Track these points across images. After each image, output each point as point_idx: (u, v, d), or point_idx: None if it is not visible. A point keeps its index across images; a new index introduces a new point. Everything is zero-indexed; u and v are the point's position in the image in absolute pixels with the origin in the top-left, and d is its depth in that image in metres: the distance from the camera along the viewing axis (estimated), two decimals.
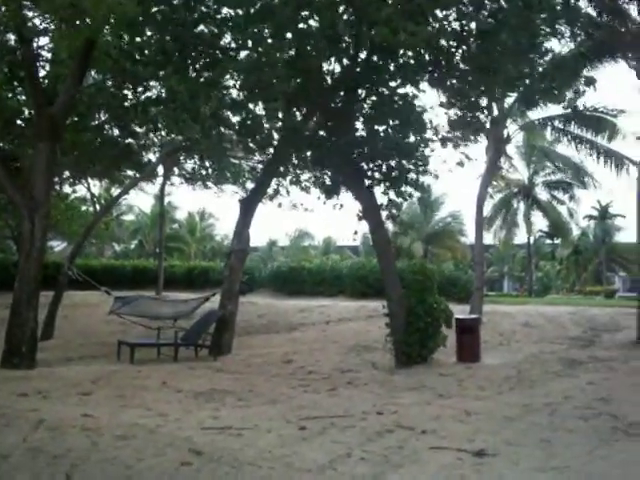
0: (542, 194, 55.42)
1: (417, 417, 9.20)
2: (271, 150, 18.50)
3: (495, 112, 23.34)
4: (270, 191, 22.59)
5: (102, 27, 14.21)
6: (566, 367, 15.08)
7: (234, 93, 16.25)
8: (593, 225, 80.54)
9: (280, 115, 15.70)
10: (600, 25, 19.14)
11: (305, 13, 13.49)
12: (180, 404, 10.26)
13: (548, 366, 15.22)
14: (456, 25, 14.07)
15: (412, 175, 15.75)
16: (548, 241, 73.38)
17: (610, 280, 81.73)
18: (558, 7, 14.55)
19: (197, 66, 15.16)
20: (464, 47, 14.46)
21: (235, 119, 16.47)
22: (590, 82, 18.62)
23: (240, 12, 13.87)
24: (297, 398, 10.99)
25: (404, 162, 15.68)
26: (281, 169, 19.73)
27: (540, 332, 21.65)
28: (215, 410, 9.73)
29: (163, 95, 17.79)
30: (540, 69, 15.72)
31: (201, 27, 14.68)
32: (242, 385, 12.33)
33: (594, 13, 19.76)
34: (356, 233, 18.07)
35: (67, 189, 31.98)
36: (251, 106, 15.69)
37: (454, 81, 15.13)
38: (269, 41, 13.71)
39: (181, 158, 28.30)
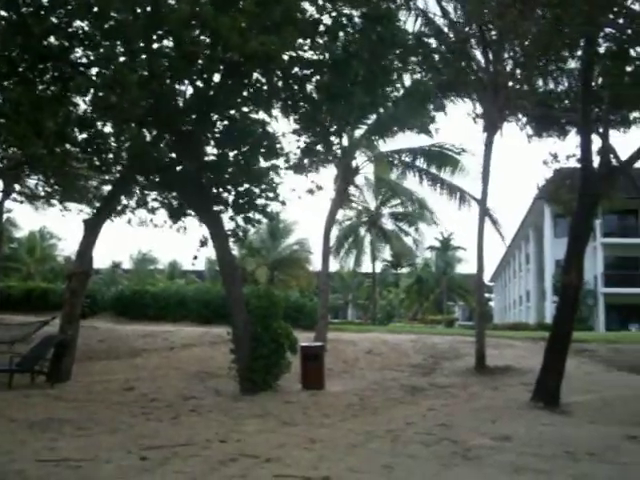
0: (388, 224, 56.92)
1: (261, 445, 9.10)
2: (119, 169, 18.01)
3: (345, 142, 23.82)
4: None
5: None
6: (408, 394, 15.43)
7: (82, 109, 15.70)
8: (435, 256, 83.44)
9: (129, 135, 15.32)
10: (449, 64, 19.87)
11: (159, 32, 13.25)
12: (13, 435, 9.70)
13: (390, 393, 15.52)
14: (310, 54, 14.22)
15: (261, 201, 15.76)
16: (392, 270, 75.24)
17: (450, 309, 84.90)
18: (409, 43, 15.03)
19: (45, 79, 14.59)
20: (317, 76, 14.63)
21: (82, 136, 15.89)
22: (440, 108, 19.29)
23: (93, 26, 13.48)
24: (138, 427, 10.66)
25: (253, 188, 15.67)
26: (128, 190, 19.24)
27: (383, 359, 22.04)
28: (52, 441, 9.25)
29: (6, 107, 16.97)
30: (392, 99, 16.11)
31: (51, 39, 14.12)
32: (81, 414, 11.84)
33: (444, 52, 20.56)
34: (196, 258, 17.77)
35: None
36: (99, 124, 15.25)
37: (306, 109, 15.25)
38: (121, 59, 13.37)
39: (23, 174, 27.13)
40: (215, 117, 15.25)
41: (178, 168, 15.52)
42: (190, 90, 14.83)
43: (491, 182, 21.02)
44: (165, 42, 13.70)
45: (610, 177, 16.12)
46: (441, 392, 15.79)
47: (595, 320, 49.93)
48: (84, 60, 14.71)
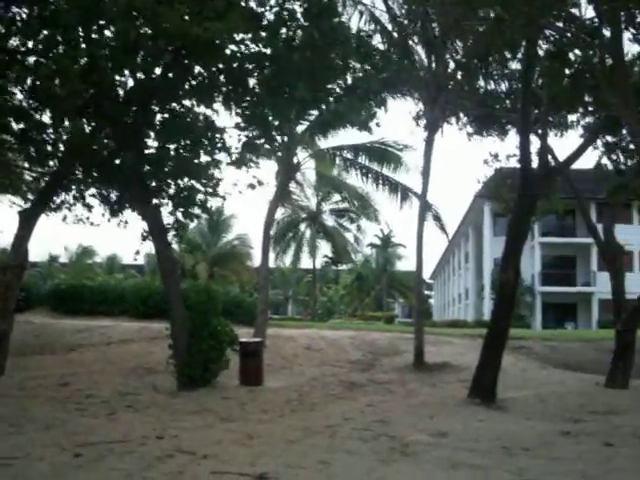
0: (329, 221, 57.03)
1: (199, 441, 9.01)
2: (56, 162, 17.63)
3: (287, 138, 23.76)
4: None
5: None
6: (346, 390, 15.48)
7: (19, 98, 15.31)
8: (376, 253, 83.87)
9: (68, 126, 15.03)
10: (391, 61, 19.93)
11: (100, 22, 13.00)
12: None
13: (329, 389, 15.55)
14: (252, 48, 14.12)
15: (201, 196, 15.63)
16: (333, 267, 75.41)
17: (390, 306, 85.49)
18: (352, 39, 15.04)
19: None
20: (259, 70, 14.55)
21: (18, 126, 15.52)
22: (381, 103, 19.32)
23: (30, 14, 13.17)
24: (73, 423, 10.46)
25: (194, 182, 15.53)
26: (65, 183, 18.84)
27: (322, 356, 22.10)
28: None
29: None
30: (334, 95, 16.11)
31: None
32: (14, 410, 11.54)
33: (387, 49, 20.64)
34: (138, 253, 17.54)
35: None
36: (37, 114, 14.92)
37: (248, 103, 15.16)
38: (61, 48, 13.08)
39: None
40: (156, 109, 15.05)
41: (117, 161, 15.27)
42: (131, 82, 14.63)
43: (433, 180, 21.25)
44: (106, 32, 13.44)
45: (548, 177, 16.38)
46: (379, 388, 15.88)
47: (532, 318, 50.73)
48: (22, 49, 14.35)
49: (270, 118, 15.51)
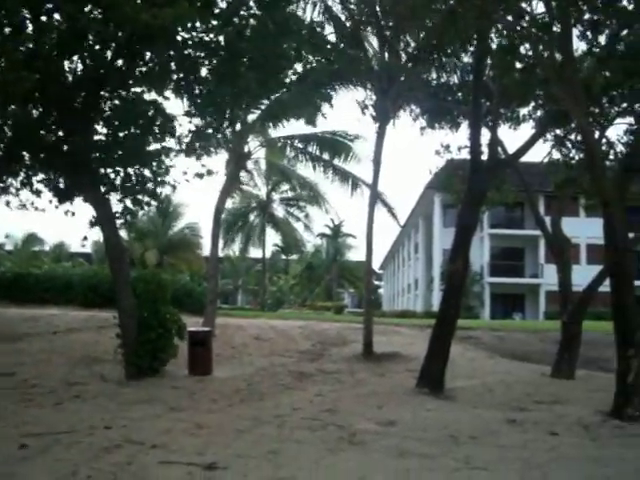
0: (279, 210, 56.99)
1: (147, 431, 8.96)
2: (1, 147, 17.26)
3: (238, 126, 23.63)
4: None
5: None
6: (295, 380, 15.50)
7: None
8: (326, 243, 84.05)
9: (13, 112, 14.71)
10: (343, 52, 19.93)
11: (48, 6, 12.74)
12: None
13: (278, 379, 15.56)
14: (204, 36, 13.99)
15: (150, 184, 15.48)
16: (283, 256, 75.43)
17: (340, 296, 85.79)
18: (304, 30, 15.01)
19: None
20: (211, 58, 14.43)
21: None
22: (327, 99, 19.32)
23: None
24: (18, 414, 10.31)
25: (143, 170, 15.37)
26: (11, 169, 18.45)
27: (271, 345, 22.09)
28: None
29: None
30: (284, 85, 16.07)
31: None
32: None
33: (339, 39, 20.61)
34: (85, 239, 17.32)
35: None
36: None
37: (199, 91, 15.02)
38: (6, 31, 12.77)
39: None
40: (106, 96, 14.84)
41: (66, 147, 15.02)
42: (80, 67, 14.38)
43: (384, 171, 21.32)
44: (56, 16, 13.17)
45: (497, 169, 16.56)
46: (328, 378, 15.93)
47: (481, 308, 51.34)
48: None
49: (221, 107, 15.38)
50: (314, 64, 17.87)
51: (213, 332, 19.45)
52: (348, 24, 21.14)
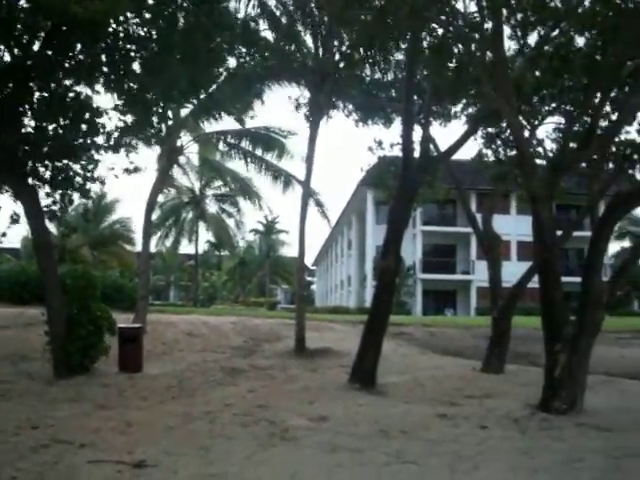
0: (212, 206, 56.66)
1: (76, 430, 8.83)
2: None
3: (170, 121, 23.40)
4: None
5: None
6: (227, 376, 15.45)
7: None
8: (259, 239, 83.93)
9: None
10: (277, 48, 19.88)
11: None
12: None
13: (210, 375, 15.48)
14: (136, 29, 13.80)
15: (79, 179, 15.21)
16: (216, 252, 75.06)
17: (273, 292, 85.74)
18: (237, 25, 14.92)
19: None
20: (142, 52, 14.23)
21: None
22: (258, 95, 19.24)
23: None
24: None
25: (72, 164, 15.10)
26: None
27: (203, 341, 21.97)
28: None
29: None
30: (216, 81, 15.96)
31: None
32: None
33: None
34: (4, 235, 16.85)
35: None
36: None
37: (130, 85, 14.80)
38: None
39: None
40: (34, 88, 14.51)
41: None
42: (7, 57, 14.04)
43: (318, 167, 21.38)
44: None
45: (429, 166, 16.72)
46: (261, 374, 15.91)
47: (413, 304, 51.82)
48: None
49: (151, 101, 15.19)
50: (247, 59, 17.81)
51: (144, 329, 19.25)
52: (283, 20, 21.07)
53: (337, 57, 20.65)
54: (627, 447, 8.52)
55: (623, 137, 15.20)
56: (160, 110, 15.67)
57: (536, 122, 17.56)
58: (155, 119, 15.66)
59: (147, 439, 8.39)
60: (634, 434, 9.52)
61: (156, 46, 14.04)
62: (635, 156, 15.93)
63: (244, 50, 17.63)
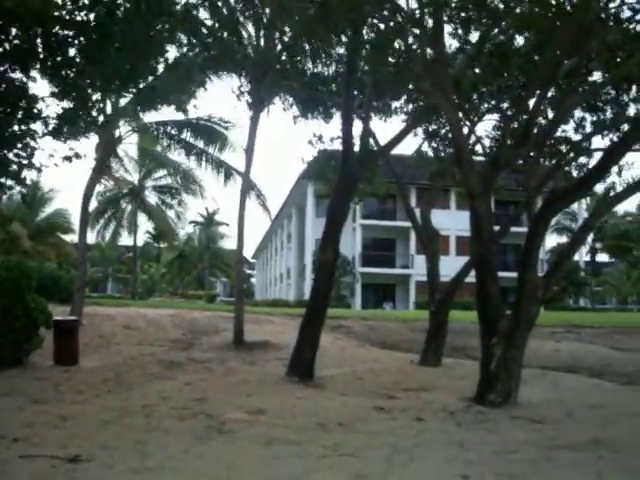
0: (151, 197, 56.12)
1: (8, 424, 8.66)
2: None
3: (109, 110, 23.09)
4: None
5: None
6: (165, 369, 15.35)
7: None
8: (199, 231, 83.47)
9: None
10: (218, 38, 19.71)
11: None
12: None
13: (147, 368, 15.36)
14: (73, 14, 13.55)
15: (14, 167, 14.92)
16: (155, 244, 74.42)
17: (212, 285, 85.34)
18: (178, 13, 14.76)
19: None
20: (80, 38, 13.98)
21: None
22: (201, 84, 19.07)
23: None
24: None
25: (6, 152, 14.80)
26: None
27: (141, 334, 21.76)
28: None
29: None
30: (155, 70, 15.76)
31: None
32: None
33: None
34: None
35: None
36: None
37: (67, 72, 14.54)
38: None
39: None
40: None
41: None
42: None
43: (259, 160, 21.29)
44: None
45: (368, 161, 16.80)
46: (199, 367, 15.85)
47: (352, 298, 52.05)
48: None
49: (89, 90, 14.96)
50: (188, 48, 17.66)
51: (80, 321, 18.99)
52: (224, 9, 20.90)
53: (279, 49, 20.59)
54: (558, 438, 8.70)
55: (559, 134, 15.53)
56: (98, 99, 15.44)
57: (475, 119, 17.77)
58: (93, 107, 15.43)
59: (82, 433, 8.26)
60: (565, 426, 9.72)
61: (94, 32, 13.81)
62: (571, 154, 16.28)
63: (185, 39, 17.47)
